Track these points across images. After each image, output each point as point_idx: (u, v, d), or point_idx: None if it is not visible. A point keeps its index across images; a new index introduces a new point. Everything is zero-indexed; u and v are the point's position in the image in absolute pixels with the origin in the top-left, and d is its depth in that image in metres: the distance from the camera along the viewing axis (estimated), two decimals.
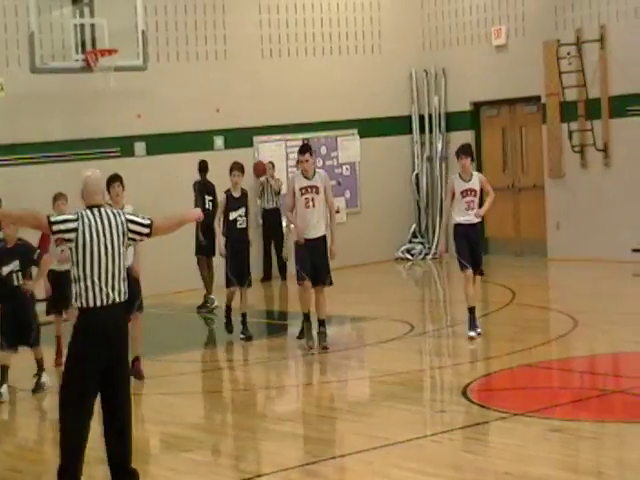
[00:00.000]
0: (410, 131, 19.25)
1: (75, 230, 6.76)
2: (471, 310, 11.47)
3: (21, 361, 12.00)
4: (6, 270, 10.01)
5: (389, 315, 13.41)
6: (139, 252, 10.17)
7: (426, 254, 18.92)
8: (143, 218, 6.97)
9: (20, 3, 15.03)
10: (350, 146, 18.60)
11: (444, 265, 18.39)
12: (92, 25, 14.85)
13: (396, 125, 19.05)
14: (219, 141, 17.15)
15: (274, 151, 17.47)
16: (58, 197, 10.92)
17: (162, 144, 16.51)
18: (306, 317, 11.47)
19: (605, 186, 16.89)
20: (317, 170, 11.52)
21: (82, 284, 6.75)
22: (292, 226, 11.81)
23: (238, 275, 12.19)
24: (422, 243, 19.09)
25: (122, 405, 6.91)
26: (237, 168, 12.43)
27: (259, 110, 17.31)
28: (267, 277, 17.11)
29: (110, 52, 14.60)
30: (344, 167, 18.61)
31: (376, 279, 17.17)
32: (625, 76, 16.47)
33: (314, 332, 11.50)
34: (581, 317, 12.26)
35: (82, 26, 14.83)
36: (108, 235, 6.78)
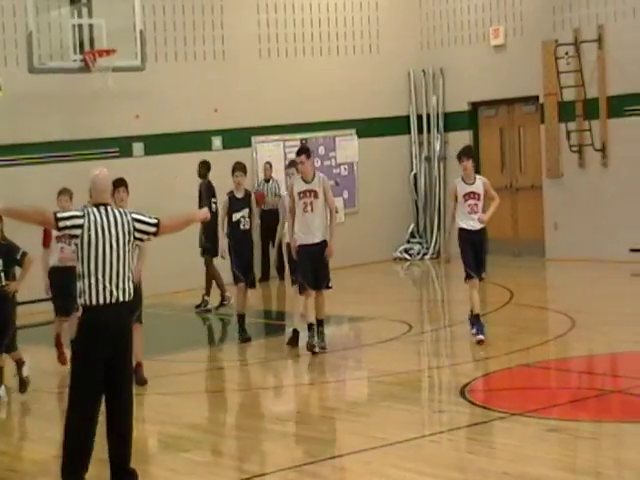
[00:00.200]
0: (408, 131, 19.25)
1: (81, 226, 6.79)
2: (477, 316, 11.27)
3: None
4: None
5: (387, 315, 13.42)
6: (144, 255, 9.97)
7: (424, 254, 18.93)
8: (150, 217, 7.02)
9: (18, 3, 15.02)
10: (348, 146, 18.61)
11: (442, 265, 18.41)
12: (90, 25, 14.85)
13: (394, 125, 19.05)
14: (217, 141, 17.15)
15: (272, 151, 17.47)
16: (62, 192, 10.85)
17: (160, 144, 16.51)
18: (309, 327, 11.23)
19: (603, 186, 16.90)
20: (317, 173, 11.27)
21: (86, 281, 6.78)
22: (286, 228, 11.74)
23: (244, 272, 12.07)
24: (420, 243, 19.10)
25: (124, 405, 6.93)
26: (240, 168, 12.25)
27: (257, 110, 17.32)
28: (265, 277, 17.12)
29: (108, 52, 14.59)
30: (342, 167, 18.61)
31: (374, 279, 17.17)
32: (623, 76, 16.48)
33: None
34: (579, 317, 12.27)
35: (80, 26, 14.83)
36: (114, 233, 6.82)
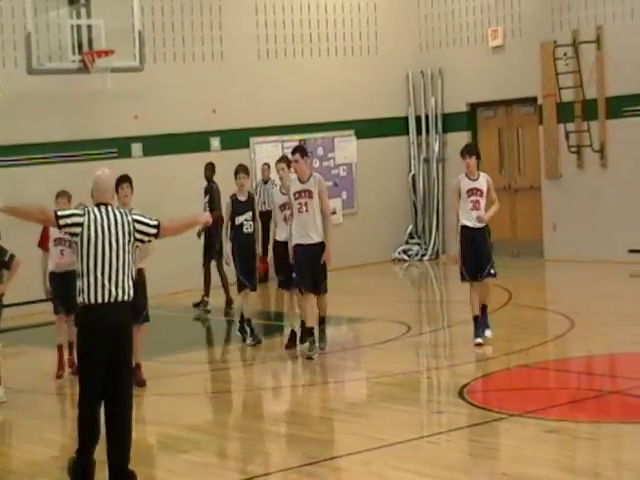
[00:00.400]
0: (407, 132, 19.26)
1: (81, 225, 6.82)
2: (475, 318, 11.15)
3: (16, 361, 12.00)
4: None
5: (386, 316, 13.41)
6: (150, 250, 9.74)
7: (423, 255, 18.93)
8: (150, 219, 7.04)
9: (17, 4, 15.01)
10: (347, 147, 18.61)
11: (441, 266, 18.42)
12: (89, 26, 14.84)
13: (393, 126, 19.06)
14: (215, 142, 17.15)
15: (270, 152, 17.45)
16: (61, 195, 10.69)
17: (159, 145, 16.51)
18: (310, 332, 11.11)
19: (602, 187, 16.91)
20: (313, 174, 11.13)
21: (85, 279, 6.80)
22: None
23: (248, 277, 11.96)
24: (419, 244, 19.10)
25: (123, 407, 6.94)
26: (243, 170, 12.12)
27: (255, 111, 17.31)
28: (263, 278, 17.10)
29: (107, 53, 14.59)
30: (341, 168, 18.61)
31: (373, 280, 17.17)
32: (621, 77, 16.49)
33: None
34: (578, 318, 12.27)
35: (79, 27, 14.82)
36: (114, 232, 6.84)
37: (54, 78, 15.10)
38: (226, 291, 14.54)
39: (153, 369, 10.64)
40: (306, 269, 10.96)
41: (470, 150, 11.31)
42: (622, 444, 7.83)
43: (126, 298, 6.86)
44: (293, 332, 11.63)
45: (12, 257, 9.93)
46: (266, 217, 16.90)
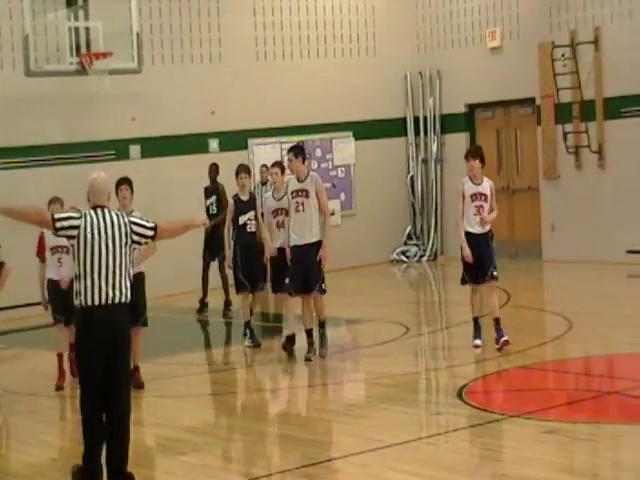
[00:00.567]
0: (405, 133, 19.26)
1: (77, 227, 6.84)
2: (476, 320, 11.08)
3: (13, 363, 11.99)
4: None
5: (384, 317, 13.41)
6: (152, 248, 9.63)
7: (421, 256, 18.93)
8: (148, 221, 7.06)
9: (14, 6, 15.02)
10: (345, 148, 18.61)
11: (439, 267, 18.42)
12: (87, 28, 14.84)
13: (391, 127, 19.06)
14: (214, 144, 17.15)
15: (269, 154, 17.45)
16: (53, 201, 10.56)
17: (157, 147, 16.50)
18: (308, 334, 11.07)
19: (600, 187, 16.91)
20: (310, 173, 11.07)
21: (83, 282, 6.81)
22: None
23: (250, 280, 11.90)
24: (417, 245, 19.10)
25: (121, 409, 6.94)
26: (244, 170, 12.15)
27: (254, 113, 17.31)
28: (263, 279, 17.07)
29: (105, 55, 14.58)
30: (339, 169, 18.61)
31: (371, 281, 17.17)
32: (619, 78, 16.49)
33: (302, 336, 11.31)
34: (576, 319, 12.27)
35: (77, 29, 14.82)
36: (110, 233, 6.86)
37: (52, 80, 15.10)
38: (226, 292, 14.53)
39: (151, 371, 10.64)
40: (300, 269, 10.87)
41: (475, 152, 11.09)
42: (620, 445, 7.82)
43: (123, 300, 6.87)
44: (291, 335, 11.50)
45: (2, 264, 9.87)
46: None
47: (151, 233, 7.02)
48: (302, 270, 10.88)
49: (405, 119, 19.23)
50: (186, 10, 16.90)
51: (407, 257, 18.92)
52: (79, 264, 6.81)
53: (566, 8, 17.22)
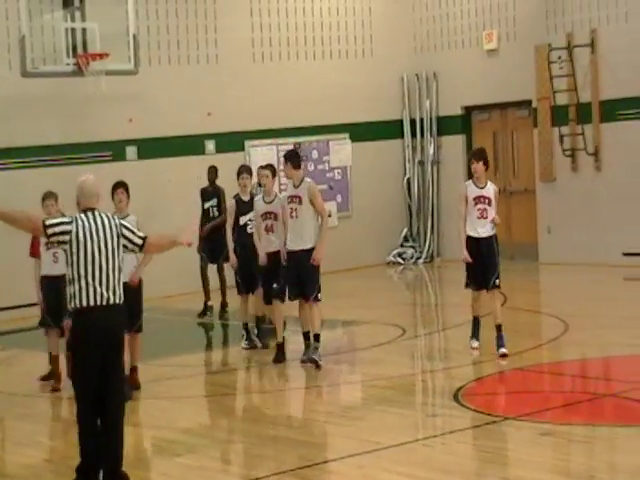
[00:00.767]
0: (402, 135, 19.27)
1: (69, 232, 6.83)
2: (475, 319, 10.98)
3: (9, 364, 11.98)
4: None
5: (381, 319, 13.41)
6: (148, 259, 9.66)
7: (417, 258, 18.93)
8: (139, 230, 7.12)
9: (11, 7, 15.00)
10: (342, 150, 18.61)
11: (435, 269, 18.43)
12: (83, 29, 14.83)
13: (388, 129, 19.07)
14: (210, 145, 17.14)
15: (265, 155, 17.45)
16: (48, 196, 10.36)
17: (153, 148, 16.49)
18: (305, 336, 10.99)
19: (596, 190, 16.93)
20: (305, 179, 10.89)
21: (77, 285, 6.81)
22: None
23: (249, 280, 11.80)
24: (413, 247, 19.11)
25: (115, 409, 6.93)
26: (246, 170, 12.10)
27: (250, 114, 17.31)
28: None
29: (101, 56, 14.57)
30: (336, 171, 18.61)
31: (367, 283, 17.17)
32: (616, 80, 16.52)
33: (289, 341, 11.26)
34: (572, 321, 12.28)
35: (73, 30, 14.81)
36: (102, 235, 6.87)
37: (48, 81, 15.08)
38: (223, 294, 14.52)
39: (148, 372, 10.62)
40: (294, 274, 10.79)
41: (479, 155, 10.87)
42: (616, 447, 7.83)
43: (118, 301, 6.88)
44: (281, 343, 11.30)
45: None
46: None
47: (139, 242, 7.03)
48: (295, 275, 10.80)
49: (402, 121, 19.24)
50: (183, 11, 16.90)
51: (403, 259, 18.93)
52: (72, 268, 6.81)
53: (562, 11, 17.24)
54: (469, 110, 18.77)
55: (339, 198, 18.59)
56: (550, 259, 17.33)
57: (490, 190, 10.88)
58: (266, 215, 11.27)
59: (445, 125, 18.94)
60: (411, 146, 19.24)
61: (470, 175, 11.26)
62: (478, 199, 10.79)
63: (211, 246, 14.27)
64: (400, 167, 19.28)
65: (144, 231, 7.29)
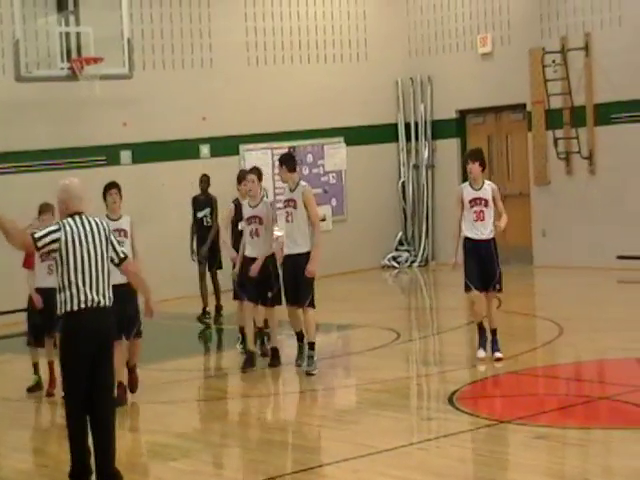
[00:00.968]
0: (396, 139, 19.28)
1: (58, 240, 6.82)
2: (480, 327, 10.77)
3: (3, 369, 11.95)
4: None
5: (375, 323, 13.41)
6: (137, 253, 9.54)
7: (412, 262, 18.93)
8: (123, 248, 7.13)
9: (5, 11, 15.00)
10: (336, 154, 18.61)
11: (430, 273, 18.43)
12: (77, 33, 14.83)
13: (382, 133, 19.07)
14: (205, 149, 17.13)
15: (260, 159, 17.44)
16: (44, 210, 10.18)
17: (148, 152, 16.48)
18: (299, 337, 10.96)
19: (590, 193, 16.94)
20: (301, 183, 10.81)
21: (67, 292, 6.80)
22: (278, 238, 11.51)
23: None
24: (408, 251, 19.11)
25: (106, 411, 6.92)
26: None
27: (245, 118, 17.30)
28: None
29: (96, 60, 14.56)
30: (330, 175, 18.61)
31: (362, 287, 17.16)
32: (610, 84, 16.54)
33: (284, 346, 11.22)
34: (567, 324, 12.29)
35: (67, 34, 14.81)
36: (90, 240, 6.86)
37: (42, 85, 15.07)
38: (217, 298, 14.50)
39: (143, 377, 10.59)
40: (290, 279, 10.75)
41: (474, 156, 10.71)
42: (611, 450, 7.83)
43: (107, 304, 6.90)
44: (251, 353, 11.17)
45: None
46: None
47: (121, 255, 7.03)
48: (292, 279, 10.76)
49: (396, 125, 19.25)
50: (177, 15, 16.89)
51: (398, 263, 18.93)
52: (63, 274, 6.80)
53: (557, 14, 17.27)
54: (464, 114, 18.79)
55: (334, 202, 18.59)
56: (545, 262, 17.35)
57: (487, 191, 10.70)
58: (251, 219, 11.08)
59: (440, 129, 18.96)
60: (406, 150, 19.26)
61: (465, 178, 11.19)
62: (474, 201, 10.65)
63: (207, 255, 14.31)
64: (395, 171, 19.29)
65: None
